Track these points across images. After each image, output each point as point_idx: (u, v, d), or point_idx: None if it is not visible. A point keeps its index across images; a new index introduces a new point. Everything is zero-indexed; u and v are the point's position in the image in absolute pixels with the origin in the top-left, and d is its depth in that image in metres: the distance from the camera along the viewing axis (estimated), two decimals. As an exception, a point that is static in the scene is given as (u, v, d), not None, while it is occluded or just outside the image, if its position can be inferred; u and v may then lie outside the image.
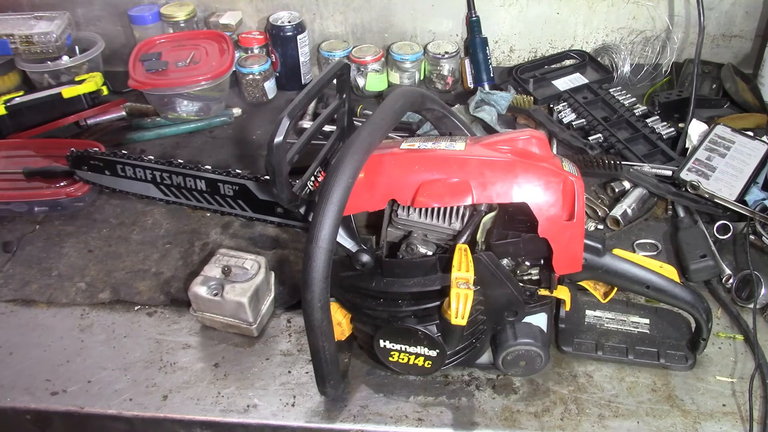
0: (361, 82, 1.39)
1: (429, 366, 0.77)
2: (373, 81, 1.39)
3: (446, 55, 1.38)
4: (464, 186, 0.70)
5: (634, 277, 0.77)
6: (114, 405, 0.81)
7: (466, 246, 0.71)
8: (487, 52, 1.38)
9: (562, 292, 0.77)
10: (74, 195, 1.09)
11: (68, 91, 1.23)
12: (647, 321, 0.87)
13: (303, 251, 0.66)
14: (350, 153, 0.67)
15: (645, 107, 1.25)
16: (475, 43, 1.38)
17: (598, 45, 1.44)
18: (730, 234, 0.99)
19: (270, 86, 1.39)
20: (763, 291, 0.88)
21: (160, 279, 0.98)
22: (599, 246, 0.76)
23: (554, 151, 1.18)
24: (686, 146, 1.15)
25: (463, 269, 0.69)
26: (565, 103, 1.29)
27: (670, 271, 0.79)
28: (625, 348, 0.84)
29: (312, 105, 1.29)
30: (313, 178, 0.91)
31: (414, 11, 1.42)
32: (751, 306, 0.88)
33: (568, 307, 0.79)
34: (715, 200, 1.03)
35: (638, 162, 1.13)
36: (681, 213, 1.04)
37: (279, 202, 0.85)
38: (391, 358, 0.78)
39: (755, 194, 1.04)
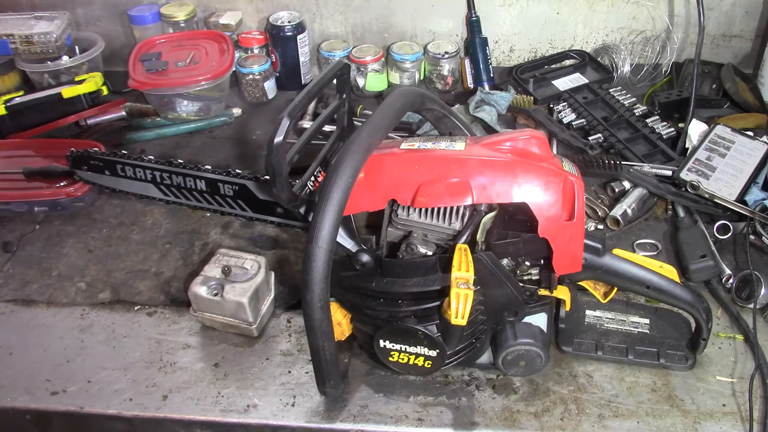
0: (361, 82, 1.39)
1: (429, 366, 0.77)
2: (373, 81, 1.39)
3: (446, 55, 1.38)
4: (464, 186, 0.70)
5: (634, 277, 0.77)
6: (114, 405, 0.81)
7: (466, 246, 0.71)
8: (487, 52, 1.38)
9: (562, 292, 0.77)
10: (74, 195, 1.09)
11: (68, 91, 1.23)
12: (647, 321, 0.87)
13: (303, 251, 0.66)
14: (350, 153, 0.67)
15: (645, 107, 1.25)
16: (475, 43, 1.38)
17: (598, 45, 1.44)
18: (730, 234, 0.99)
19: (270, 86, 1.39)
20: (763, 291, 0.88)
21: (160, 279, 0.98)
22: (599, 246, 0.76)
23: (554, 151, 1.18)
24: (686, 146, 1.15)
25: (463, 269, 0.69)
26: (565, 103, 1.29)
27: (670, 271, 0.79)
28: (625, 348, 0.84)
29: (312, 105, 1.29)
30: (313, 178, 0.91)
31: (414, 11, 1.42)
32: (751, 306, 0.88)
33: (568, 307, 0.80)
34: (715, 200, 1.03)
35: (638, 162, 1.13)
36: (681, 213, 1.04)
37: (279, 202, 0.85)
38: (391, 358, 0.78)
39: (755, 194, 1.04)
